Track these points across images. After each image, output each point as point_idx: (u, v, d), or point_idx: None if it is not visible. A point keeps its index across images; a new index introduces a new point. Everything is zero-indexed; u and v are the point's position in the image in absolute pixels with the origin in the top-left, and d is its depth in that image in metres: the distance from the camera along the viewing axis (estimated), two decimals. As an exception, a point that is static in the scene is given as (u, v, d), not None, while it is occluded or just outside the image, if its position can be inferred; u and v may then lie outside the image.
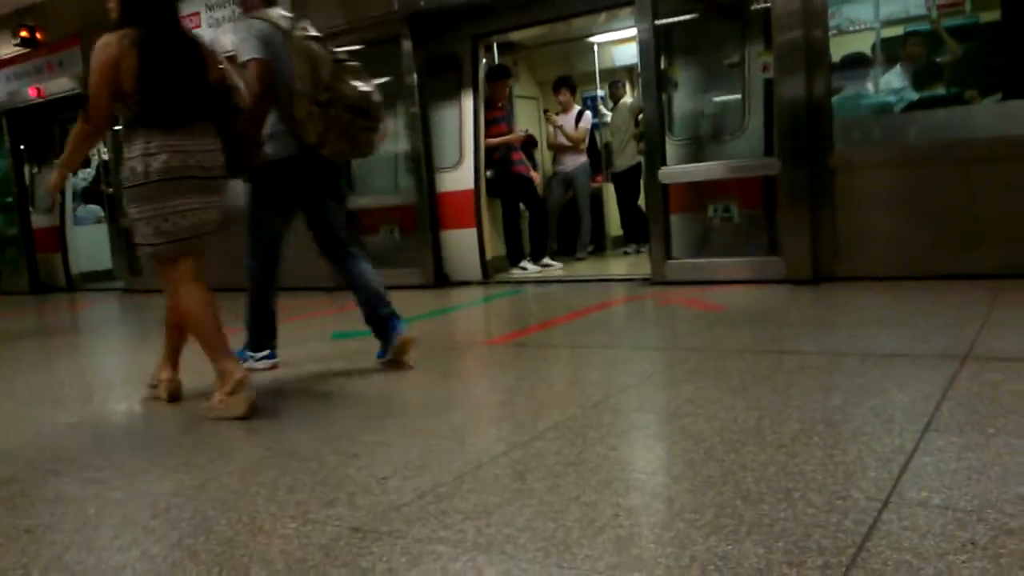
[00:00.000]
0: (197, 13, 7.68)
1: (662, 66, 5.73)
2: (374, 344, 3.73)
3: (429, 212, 6.71)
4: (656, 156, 5.64)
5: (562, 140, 7.83)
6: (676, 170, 5.67)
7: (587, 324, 4.49)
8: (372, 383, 3.49)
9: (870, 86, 6.39)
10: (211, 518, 1.97)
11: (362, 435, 2.60)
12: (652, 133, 5.65)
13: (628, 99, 8.23)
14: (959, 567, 1.41)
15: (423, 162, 6.70)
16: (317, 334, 4.92)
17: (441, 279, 6.73)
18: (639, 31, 5.62)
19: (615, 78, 8.72)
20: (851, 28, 7.41)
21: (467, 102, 6.68)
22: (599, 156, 8.87)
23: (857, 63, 6.13)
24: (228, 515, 1.98)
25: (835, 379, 2.84)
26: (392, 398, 3.17)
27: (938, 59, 6.32)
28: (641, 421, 2.64)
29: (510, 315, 5.24)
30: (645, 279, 5.71)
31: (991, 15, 6.37)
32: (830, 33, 5.30)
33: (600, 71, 8.87)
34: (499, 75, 7.11)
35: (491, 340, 4.18)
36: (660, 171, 5.61)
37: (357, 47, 7.06)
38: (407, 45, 6.58)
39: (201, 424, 2.93)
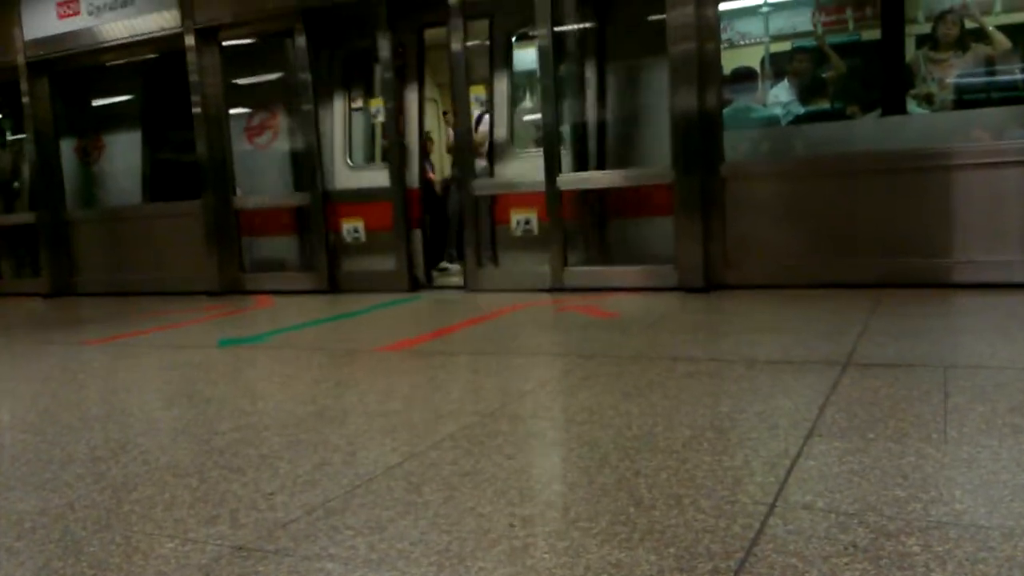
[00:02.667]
0: (76, 0, 7.25)
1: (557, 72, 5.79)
2: (263, 351, 3.59)
3: (323, 213, 6.54)
4: (553, 163, 5.68)
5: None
6: (572, 178, 5.73)
7: (484, 331, 4.47)
8: (260, 392, 3.35)
9: (758, 99, 6.66)
10: (81, 539, 1.83)
11: (247, 448, 2.48)
12: (549, 140, 5.69)
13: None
14: (842, 569, 1.45)
15: (317, 161, 6.53)
16: (202, 341, 4.71)
17: (335, 285, 6.56)
18: (539, 37, 5.64)
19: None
20: (741, 42, 7.71)
21: (411, 96, 6.50)
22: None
23: (746, 77, 6.36)
24: (100, 535, 1.85)
25: (724, 385, 2.91)
26: (281, 408, 3.05)
27: (823, 74, 6.64)
28: (537, 428, 2.63)
29: (406, 322, 5.16)
30: (545, 289, 5.73)
31: (872, 34, 6.74)
32: (722, 46, 5.45)
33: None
34: None
35: (386, 347, 4.10)
36: (558, 178, 5.65)
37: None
38: (301, 40, 6.41)
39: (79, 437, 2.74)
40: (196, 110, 6.85)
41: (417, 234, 6.33)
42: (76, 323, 6.13)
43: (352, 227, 6.49)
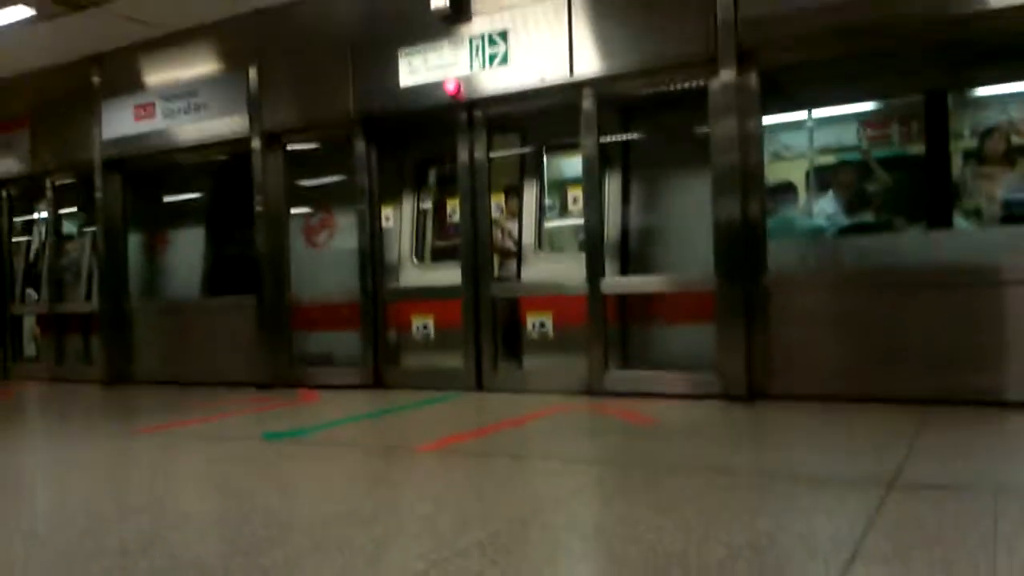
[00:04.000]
0: (153, 104, 7.73)
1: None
2: (306, 446, 3.62)
3: (373, 311, 6.68)
4: (596, 266, 5.74)
5: (509, 244, 7.94)
6: (616, 282, 5.79)
7: (523, 433, 4.44)
8: (295, 491, 3.36)
9: (804, 211, 6.69)
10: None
11: (274, 548, 2.48)
12: (592, 243, 5.76)
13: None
14: None
15: (368, 260, 6.71)
16: (246, 433, 4.77)
17: (380, 380, 6.63)
18: (583, 146, 5.80)
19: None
20: (786, 155, 7.81)
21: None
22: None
23: (789, 189, 6.41)
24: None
25: (764, 501, 2.83)
26: (316, 508, 3.05)
27: (868, 187, 6.67)
28: (568, 540, 2.58)
29: (446, 421, 5.15)
30: (584, 390, 5.70)
31: (918, 148, 6.79)
32: (766, 160, 5.53)
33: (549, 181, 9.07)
34: None
35: (424, 446, 4.09)
36: (602, 282, 5.70)
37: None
38: (360, 146, 6.70)
39: (107, 529, 2.77)
40: (258, 208, 7.15)
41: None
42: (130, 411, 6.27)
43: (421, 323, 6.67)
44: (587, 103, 5.73)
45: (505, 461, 3.73)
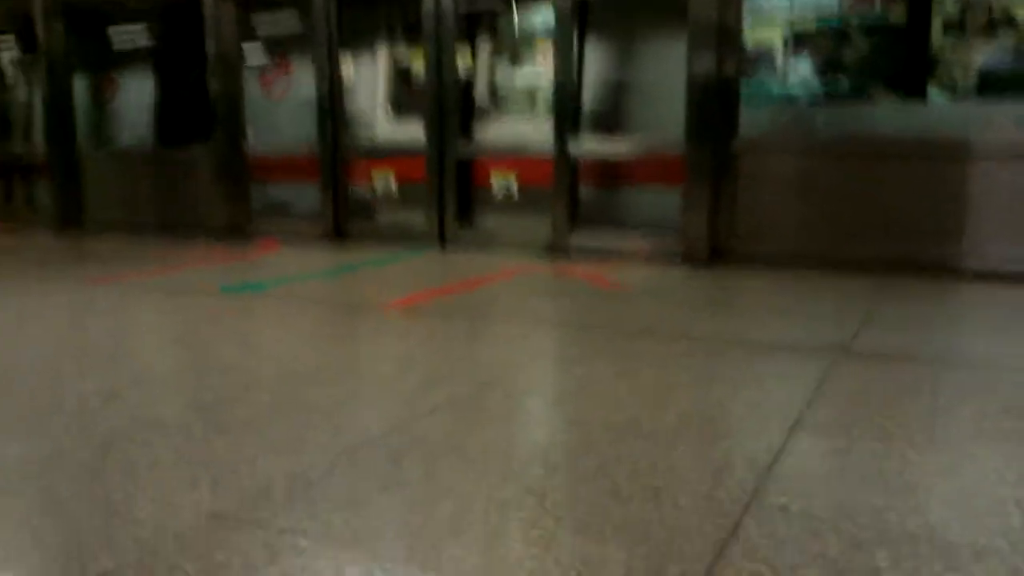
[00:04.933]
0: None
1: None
2: (266, 300, 3.60)
3: (332, 164, 6.50)
4: (564, 127, 5.59)
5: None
6: (585, 144, 5.67)
7: (487, 294, 4.46)
8: (257, 347, 3.37)
9: (780, 74, 6.53)
10: (63, 497, 1.86)
11: (235, 407, 2.50)
12: (560, 102, 5.60)
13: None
14: (809, 579, 1.45)
15: (328, 112, 6.46)
16: (204, 286, 4.72)
17: (341, 233, 6.55)
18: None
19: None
20: (765, 17, 7.52)
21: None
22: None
23: (766, 53, 6.21)
24: (81, 493, 1.87)
25: (718, 368, 2.90)
26: (276, 365, 3.06)
27: (845, 54, 6.50)
28: (528, 405, 2.63)
29: (409, 279, 5.14)
30: (548, 247, 5.70)
31: (900, 14, 6.57)
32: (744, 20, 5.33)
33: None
34: None
35: (387, 304, 4.10)
36: (570, 143, 5.58)
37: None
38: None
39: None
40: (210, 52, 6.78)
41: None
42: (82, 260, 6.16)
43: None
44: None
45: (469, 322, 3.75)
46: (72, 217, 7.86)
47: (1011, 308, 3.91)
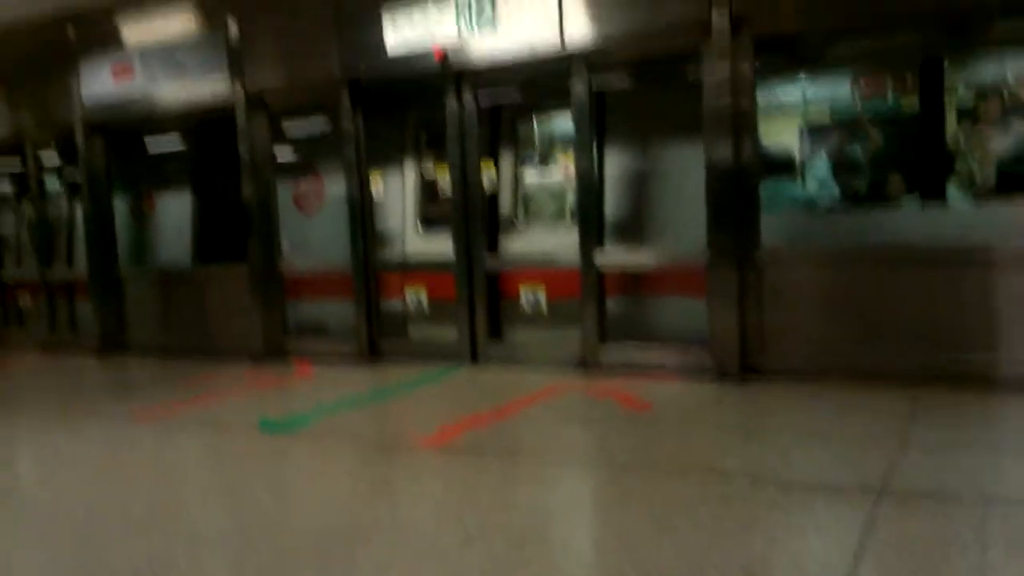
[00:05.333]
0: (130, 64, 7.53)
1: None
2: (302, 440, 3.66)
3: (365, 281, 6.66)
4: (590, 238, 5.71)
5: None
6: (611, 257, 5.77)
7: (520, 423, 4.48)
8: (298, 499, 3.42)
9: (797, 174, 6.63)
10: None
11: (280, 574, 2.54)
12: (585, 214, 5.72)
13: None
14: None
15: (359, 228, 6.65)
16: (243, 419, 4.80)
17: (374, 352, 6.66)
18: (574, 94, 5.67)
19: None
20: (778, 112, 7.69)
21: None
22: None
23: (785, 161, 6.31)
24: None
25: (757, 513, 2.89)
26: (317, 521, 3.09)
27: (861, 149, 6.61)
28: (566, 561, 2.64)
29: (443, 406, 5.18)
30: (578, 364, 5.74)
31: (913, 101, 6.69)
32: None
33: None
34: None
35: (423, 440, 4.14)
36: (595, 255, 5.68)
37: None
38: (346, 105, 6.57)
39: None
40: (245, 172, 7.05)
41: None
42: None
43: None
44: (578, 67, 5.61)
45: (502, 463, 3.77)
46: (114, 339, 8.07)
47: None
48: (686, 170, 5.63)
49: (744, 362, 5.13)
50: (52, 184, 9.41)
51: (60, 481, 3.86)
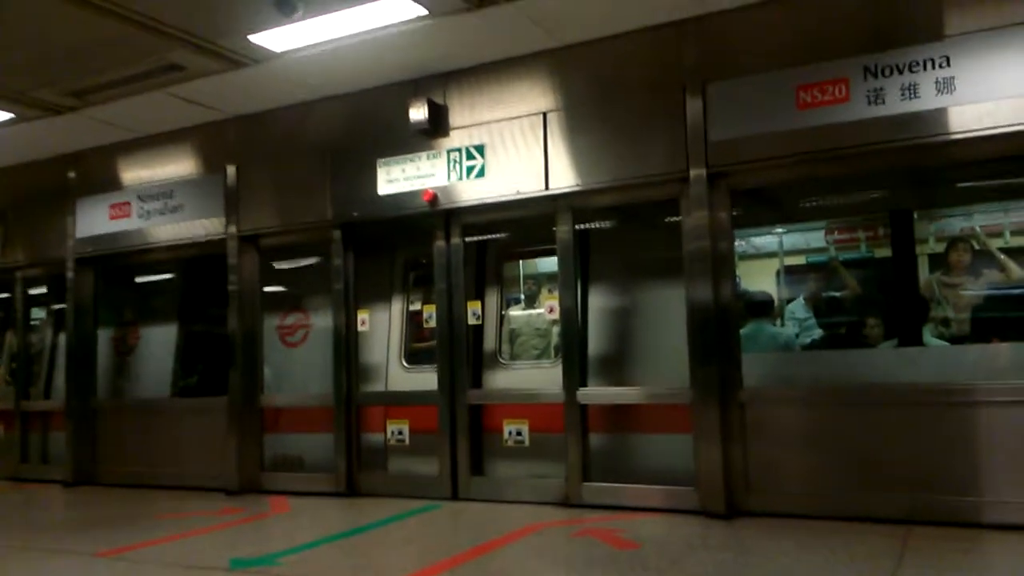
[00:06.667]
0: (129, 203, 7.73)
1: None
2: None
3: (347, 416, 6.59)
4: (574, 375, 5.73)
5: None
6: (596, 392, 5.78)
7: (500, 564, 4.34)
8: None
9: (775, 315, 6.77)
10: None
11: None
12: (570, 352, 5.77)
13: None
14: None
15: (343, 363, 6.65)
16: (213, 559, 4.62)
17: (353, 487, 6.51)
18: (560, 236, 5.85)
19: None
20: (755, 256, 7.96)
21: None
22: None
23: (764, 303, 6.47)
24: None
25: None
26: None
27: (837, 293, 6.80)
28: None
29: (421, 545, 5.03)
30: (561, 502, 5.63)
31: (884, 251, 6.95)
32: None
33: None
34: None
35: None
36: (579, 392, 5.69)
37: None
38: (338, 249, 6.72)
39: None
40: (231, 313, 7.10)
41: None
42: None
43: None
44: (562, 210, 5.83)
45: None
46: (86, 471, 7.86)
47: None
48: (668, 308, 5.75)
49: (730, 500, 5.06)
50: (37, 313, 9.44)
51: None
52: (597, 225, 6.28)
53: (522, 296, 7.28)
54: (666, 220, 5.69)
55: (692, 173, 5.27)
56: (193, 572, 4.34)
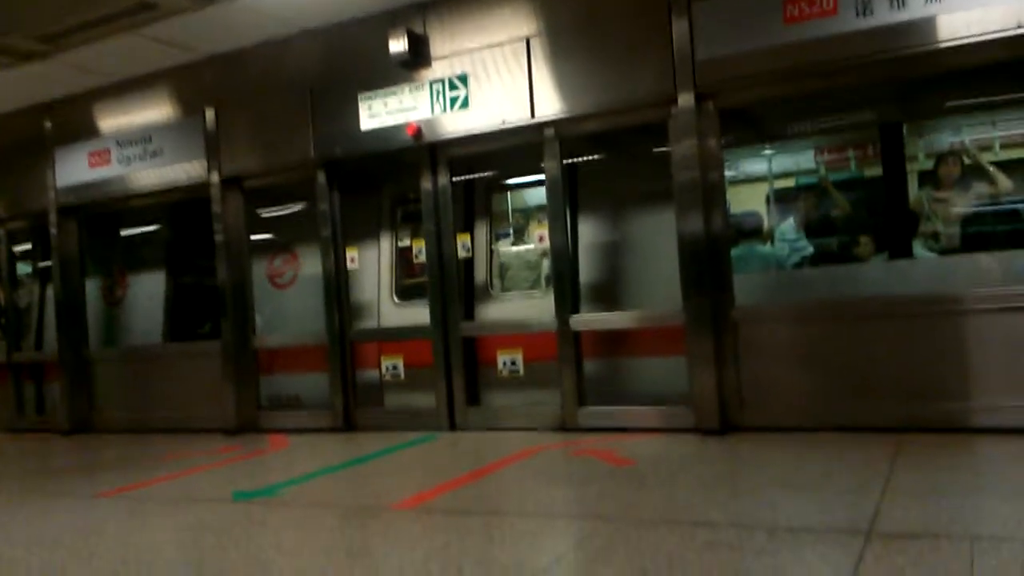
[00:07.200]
0: (108, 150, 7.59)
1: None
2: (277, 508, 3.55)
3: (341, 353, 6.60)
4: (565, 303, 5.73)
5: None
6: (586, 318, 5.79)
7: (500, 483, 4.41)
8: (274, 571, 3.30)
9: (766, 236, 6.77)
10: None
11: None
12: (560, 280, 5.76)
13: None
14: None
15: (334, 301, 6.63)
16: (215, 493, 4.66)
17: (350, 423, 6.56)
18: (549, 180, 5.80)
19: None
20: (745, 180, 7.90)
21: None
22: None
23: (753, 219, 6.46)
24: None
25: (744, 562, 2.83)
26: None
27: (828, 212, 6.78)
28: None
29: (420, 470, 5.09)
30: (558, 427, 5.70)
31: (875, 170, 6.91)
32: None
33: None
34: None
35: (398, 504, 4.04)
36: (571, 319, 5.70)
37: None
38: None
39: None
40: (219, 254, 7.05)
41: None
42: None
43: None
44: (549, 139, 5.76)
45: (481, 521, 3.69)
46: (83, 419, 7.89)
47: (1032, 465, 3.87)
48: (659, 235, 5.73)
49: (725, 417, 5.12)
50: (24, 268, 9.36)
51: (28, 561, 3.70)
52: (585, 158, 6.22)
53: (511, 230, 7.22)
54: (654, 150, 5.63)
55: (680, 95, 5.20)
56: (195, 506, 4.38)
